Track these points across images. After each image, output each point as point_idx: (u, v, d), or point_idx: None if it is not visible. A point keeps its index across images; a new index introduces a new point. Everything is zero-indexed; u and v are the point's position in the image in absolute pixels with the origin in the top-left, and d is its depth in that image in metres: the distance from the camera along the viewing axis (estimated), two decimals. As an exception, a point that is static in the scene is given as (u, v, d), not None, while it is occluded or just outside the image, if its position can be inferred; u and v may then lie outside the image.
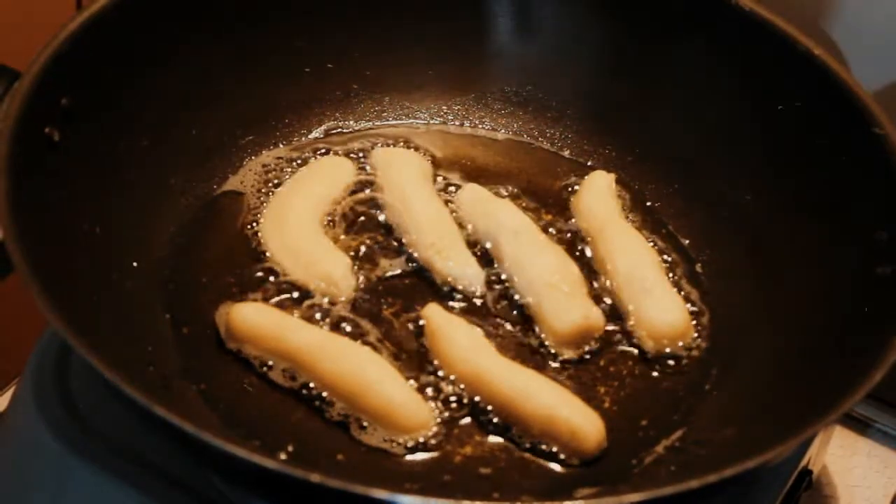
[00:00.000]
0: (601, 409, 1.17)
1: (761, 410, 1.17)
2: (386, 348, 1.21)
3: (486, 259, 1.32)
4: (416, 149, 1.46)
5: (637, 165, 1.46)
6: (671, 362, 1.25)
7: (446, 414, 1.15)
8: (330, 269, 1.26)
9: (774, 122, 1.35)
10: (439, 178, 1.42)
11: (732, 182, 1.38)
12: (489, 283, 1.29)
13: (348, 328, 1.23)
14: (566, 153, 1.49)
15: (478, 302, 1.28)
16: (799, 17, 1.34)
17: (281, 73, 1.44)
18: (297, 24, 1.43)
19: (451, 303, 1.27)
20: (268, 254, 1.29)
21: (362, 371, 1.14)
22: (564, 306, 1.24)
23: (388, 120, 1.50)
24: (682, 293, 1.31)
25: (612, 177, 1.41)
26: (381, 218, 1.36)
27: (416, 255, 1.31)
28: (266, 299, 1.24)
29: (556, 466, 1.12)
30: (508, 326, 1.26)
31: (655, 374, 1.24)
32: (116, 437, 1.07)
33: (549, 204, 1.41)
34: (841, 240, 1.25)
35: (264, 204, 1.35)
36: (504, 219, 1.33)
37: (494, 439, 1.14)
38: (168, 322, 1.22)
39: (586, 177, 1.42)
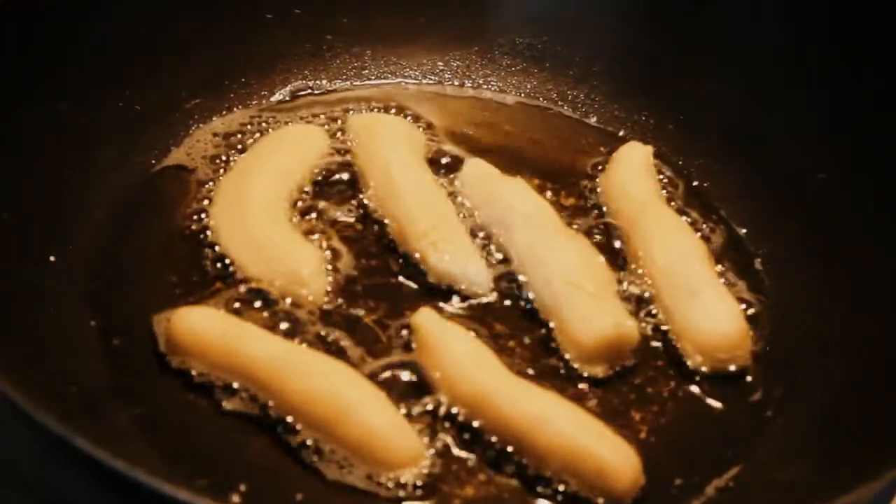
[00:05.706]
0: (636, 441, 1.16)
1: (835, 442, 1.16)
2: (366, 363, 1.19)
3: (492, 252, 1.31)
4: (405, 114, 1.46)
5: (680, 136, 1.46)
6: (723, 382, 1.23)
7: (442, 445, 1.14)
8: (297, 264, 1.25)
9: (856, 80, 1.34)
10: (434, 152, 1.42)
11: (800, 156, 1.37)
12: (496, 282, 1.28)
13: (319, 338, 1.21)
14: (592, 120, 1.50)
15: (481, 305, 1.27)
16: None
17: (238, 20, 1.45)
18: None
19: (448, 306, 1.26)
20: (219, 246, 1.28)
21: (336, 391, 1.12)
22: (590, 312, 1.21)
23: (369, 79, 1.51)
24: (737, 295, 1.30)
25: (649, 150, 1.41)
26: (361, 201, 1.35)
27: (404, 246, 1.30)
28: (217, 303, 1.23)
29: (579, 513, 1.09)
30: (520, 337, 1.25)
31: (704, 396, 1.22)
32: (27, 473, 1.07)
33: (571, 184, 1.40)
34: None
35: (216, 183, 1.34)
36: (515, 202, 1.32)
37: (502, 478, 1.12)
38: (95, 330, 1.21)
39: (618, 150, 1.42)
